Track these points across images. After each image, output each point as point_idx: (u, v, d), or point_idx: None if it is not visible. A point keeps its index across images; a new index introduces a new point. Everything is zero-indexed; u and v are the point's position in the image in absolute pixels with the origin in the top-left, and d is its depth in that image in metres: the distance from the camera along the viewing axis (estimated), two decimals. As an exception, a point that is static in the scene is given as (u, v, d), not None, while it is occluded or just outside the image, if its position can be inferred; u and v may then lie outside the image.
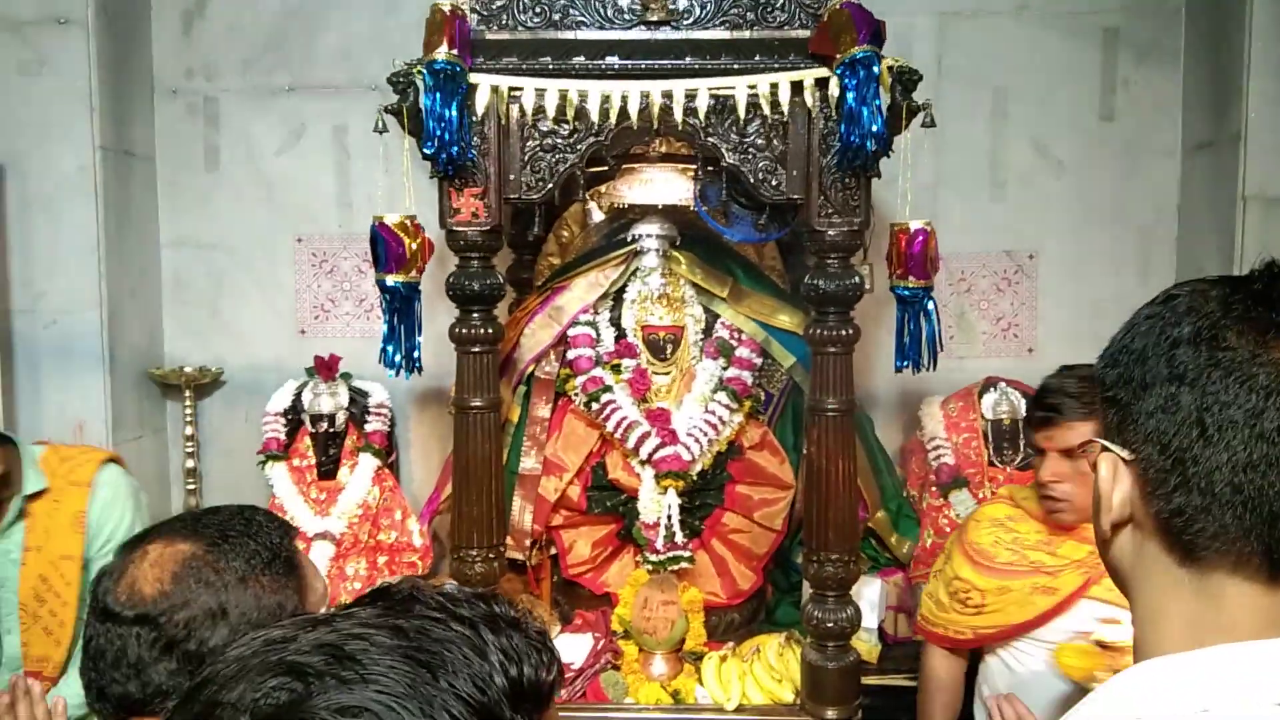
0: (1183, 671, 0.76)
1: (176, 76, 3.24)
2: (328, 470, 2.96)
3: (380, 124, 2.09)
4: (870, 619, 2.60)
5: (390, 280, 2.06)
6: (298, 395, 3.01)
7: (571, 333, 2.74)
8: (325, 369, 2.98)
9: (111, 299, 2.99)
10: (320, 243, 3.27)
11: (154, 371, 3.17)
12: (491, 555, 2.30)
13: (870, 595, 2.64)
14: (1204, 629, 0.78)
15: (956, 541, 2.21)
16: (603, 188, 2.76)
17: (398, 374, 2.14)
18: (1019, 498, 2.16)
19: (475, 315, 2.21)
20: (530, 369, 2.76)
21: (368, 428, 2.98)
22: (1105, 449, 0.84)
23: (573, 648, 2.55)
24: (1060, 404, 1.93)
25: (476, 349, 2.22)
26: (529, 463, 2.74)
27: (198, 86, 3.24)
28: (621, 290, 2.77)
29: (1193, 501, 0.76)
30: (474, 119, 2.11)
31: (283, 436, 3.00)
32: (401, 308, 2.09)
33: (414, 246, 2.06)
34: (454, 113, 2.03)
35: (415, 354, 2.14)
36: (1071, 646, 1.90)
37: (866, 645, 2.53)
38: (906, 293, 2.12)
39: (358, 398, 3.01)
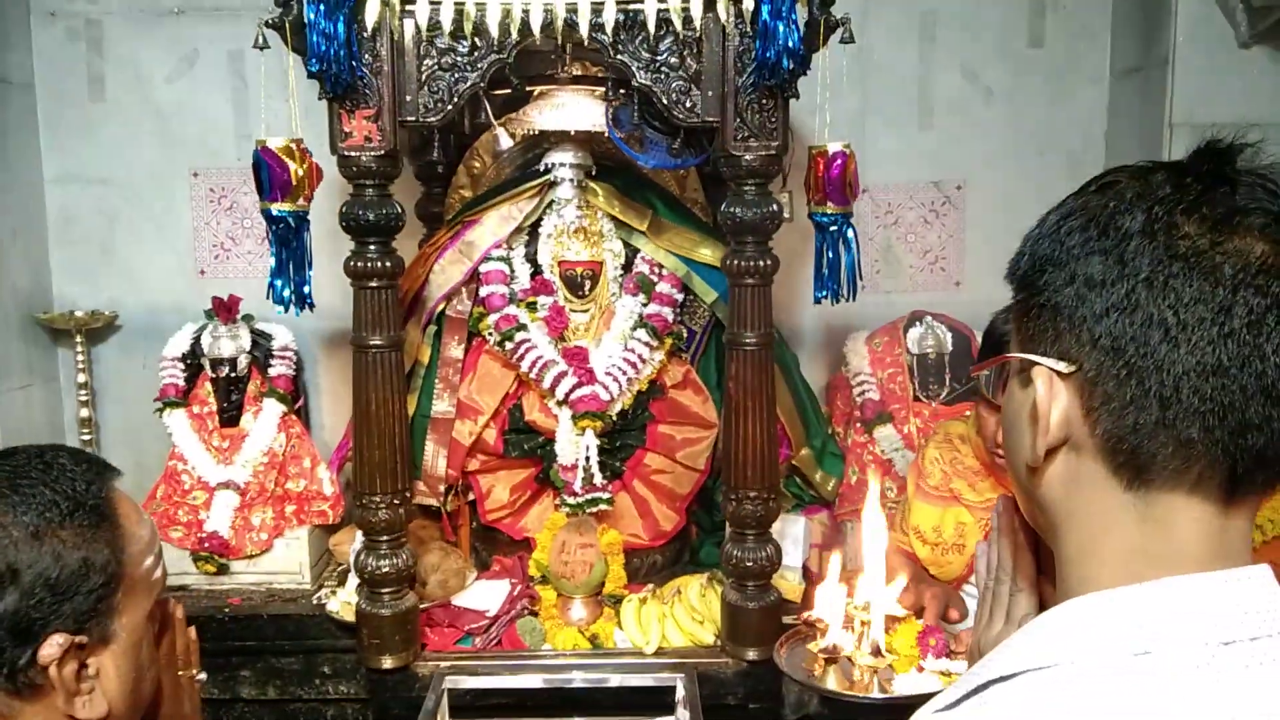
0: (1119, 608, 0.68)
1: (55, -3, 3.01)
2: (230, 417, 2.81)
3: (260, 39, 1.94)
4: (795, 557, 2.54)
5: (275, 209, 1.92)
6: (196, 339, 2.84)
7: (484, 269, 2.61)
8: (224, 310, 2.81)
9: (-11, 238, 2.79)
10: (218, 177, 3.08)
11: (41, 316, 2.98)
12: (396, 501, 2.19)
13: (795, 533, 2.58)
14: (1146, 560, 0.69)
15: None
16: (515, 113, 2.62)
17: (286, 310, 2.01)
18: (971, 433, 2.13)
19: (372, 247, 2.08)
20: (441, 307, 2.63)
21: (272, 372, 2.83)
22: (1033, 364, 0.73)
23: (489, 595, 2.46)
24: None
25: (374, 284, 2.09)
26: (441, 405, 2.63)
27: (78, 8, 3.00)
28: (536, 224, 2.65)
29: (1151, 415, 0.67)
30: (364, 35, 1.96)
31: (181, 382, 2.83)
32: (289, 239, 1.95)
33: (300, 172, 1.92)
34: (340, 27, 1.88)
35: (305, 289, 2.00)
36: None
37: (790, 584, 2.47)
38: (825, 219, 2.03)
39: (260, 340, 2.85)
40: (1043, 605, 0.87)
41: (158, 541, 1.00)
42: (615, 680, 2.12)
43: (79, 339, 2.99)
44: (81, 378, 3.00)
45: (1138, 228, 0.68)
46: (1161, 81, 2.80)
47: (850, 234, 2.04)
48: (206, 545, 2.59)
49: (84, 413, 3.02)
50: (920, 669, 1.52)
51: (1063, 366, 0.71)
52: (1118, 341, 0.68)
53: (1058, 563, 0.77)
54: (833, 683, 1.47)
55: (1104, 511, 0.71)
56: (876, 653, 1.45)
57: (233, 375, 2.80)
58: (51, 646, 0.86)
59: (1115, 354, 0.68)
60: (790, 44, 1.86)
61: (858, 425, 2.85)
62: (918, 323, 2.86)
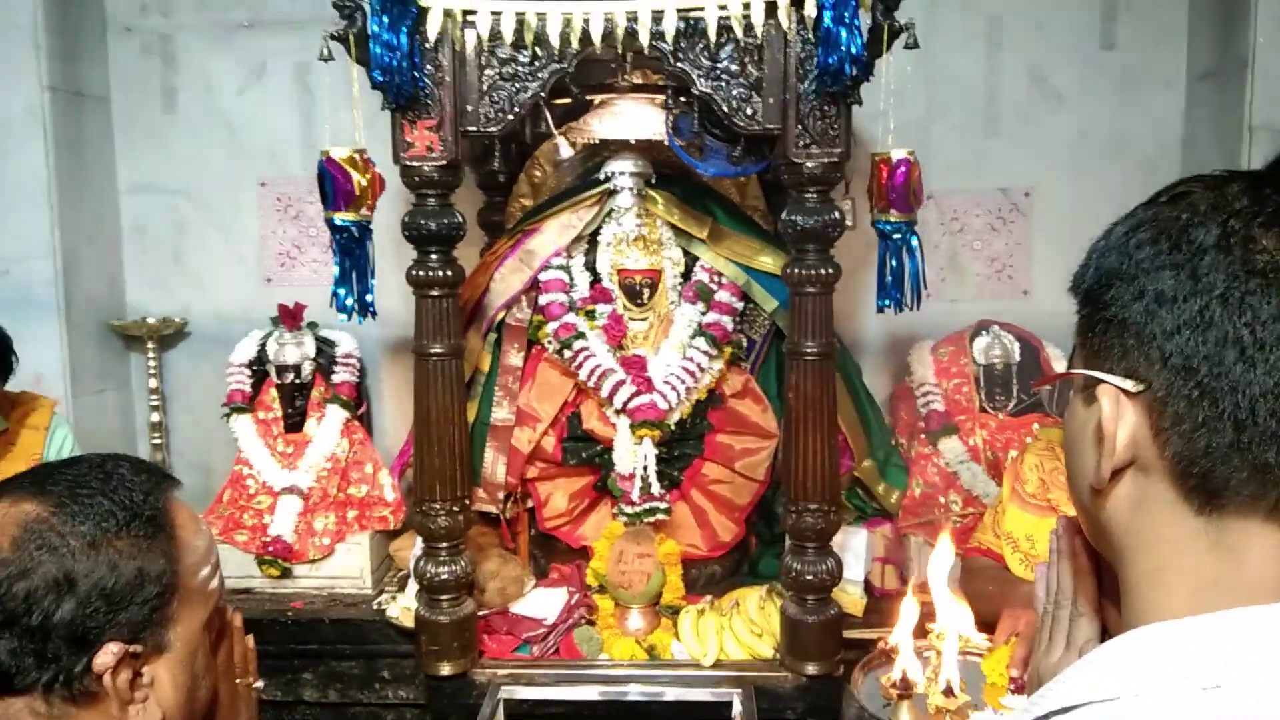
0: (1187, 638, 0.64)
1: (130, 13, 3.08)
2: (294, 422, 2.85)
3: (325, 52, 1.97)
4: (857, 571, 2.50)
5: (339, 219, 1.95)
6: (262, 345, 2.90)
7: (543, 277, 2.61)
8: (289, 318, 2.86)
9: (66, 247, 2.86)
10: (285, 186, 3.13)
11: (114, 323, 3.05)
12: (456, 508, 2.20)
13: (857, 547, 2.55)
14: (1219, 589, 0.65)
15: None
16: (575, 122, 2.62)
17: (350, 318, 2.03)
18: None
19: (433, 257, 2.09)
20: (501, 315, 2.64)
21: (335, 378, 2.87)
22: (1098, 381, 0.70)
23: (547, 603, 2.46)
24: None
25: (435, 293, 2.10)
26: (501, 413, 2.63)
27: (153, 23, 3.08)
28: (596, 232, 2.65)
29: (1225, 437, 0.64)
30: (426, 45, 1.98)
31: (248, 388, 2.88)
32: (352, 248, 1.97)
33: (363, 182, 1.94)
34: (403, 38, 1.90)
35: (368, 298, 2.02)
36: None
37: (852, 598, 2.43)
38: (888, 227, 2.00)
39: (324, 348, 2.89)
40: (1106, 630, 0.83)
41: (215, 552, 1.01)
42: (671, 694, 2.10)
43: (151, 345, 3.06)
44: (153, 383, 3.07)
45: (1212, 241, 0.65)
46: (1240, 84, 2.71)
47: (914, 242, 2.00)
48: (270, 549, 2.63)
49: (155, 417, 3.09)
50: (999, 706, 1.47)
51: (1130, 385, 0.68)
52: (1190, 360, 0.65)
53: (1122, 589, 0.73)
54: (905, 717, 1.42)
55: (1173, 537, 0.68)
56: (949, 693, 1.40)
57: (297, 381, 2.85)
58: (106, 655, 0.87)
59: (1187, 373, 0.65)
60: (853, 50, 1.83)
61: (922, 437, 2.79)
62: (984, 332, 2.80)
